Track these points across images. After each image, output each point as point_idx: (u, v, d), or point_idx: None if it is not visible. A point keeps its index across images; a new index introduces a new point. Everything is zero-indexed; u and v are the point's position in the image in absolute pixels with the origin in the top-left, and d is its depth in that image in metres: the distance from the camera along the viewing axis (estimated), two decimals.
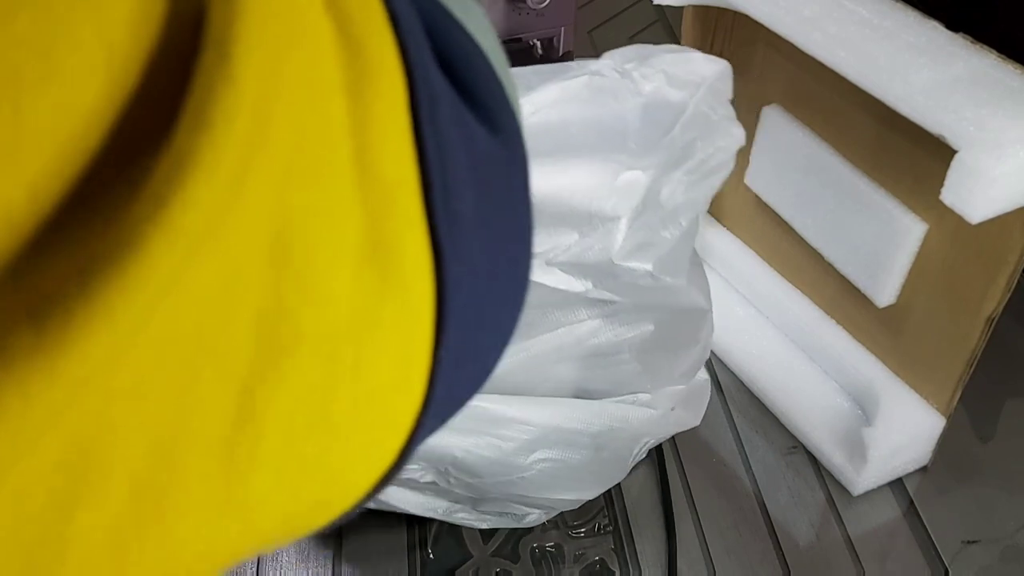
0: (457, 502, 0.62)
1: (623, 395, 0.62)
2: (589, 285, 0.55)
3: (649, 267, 0.54)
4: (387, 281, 0.18)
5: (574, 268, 0.54)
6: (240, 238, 0.15)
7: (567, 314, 0.57)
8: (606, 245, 0.53)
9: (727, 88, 0.57)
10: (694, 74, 0.54)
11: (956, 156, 0.50)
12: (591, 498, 0.65)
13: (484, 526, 0.64)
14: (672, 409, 0.65)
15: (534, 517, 0.64)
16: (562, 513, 0.65)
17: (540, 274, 0.54)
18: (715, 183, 0.56)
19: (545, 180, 0.51)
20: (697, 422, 0.69)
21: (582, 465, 0.60)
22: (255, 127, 0.15)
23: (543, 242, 0.53)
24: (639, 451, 0.64)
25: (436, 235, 0.19)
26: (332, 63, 0.17)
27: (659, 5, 0.71)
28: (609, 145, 0.52)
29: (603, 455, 0.61)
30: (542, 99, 0.52)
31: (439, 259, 0.19)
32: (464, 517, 0.63)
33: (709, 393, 0.70)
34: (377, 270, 0.18)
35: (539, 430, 0.58)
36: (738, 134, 0.56)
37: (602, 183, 0.51)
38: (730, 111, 0.56)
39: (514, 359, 0.58)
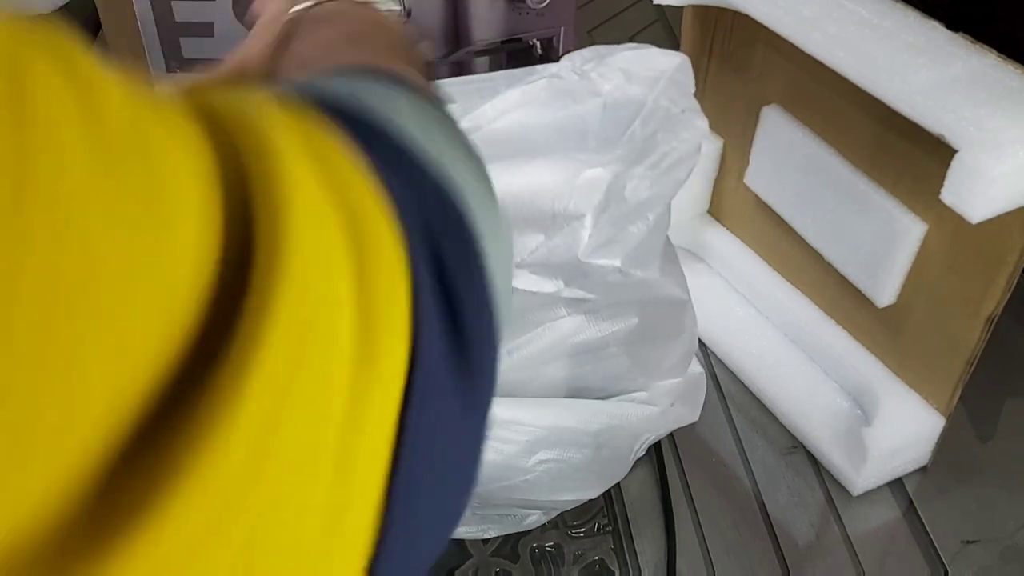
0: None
1: (618, 392, 0.62)
2: (560, 285, 0.55)
3: (617, 263, 0.55)
4: (334, 542, 0.20)
5: (543, 269, 0.54)
6: (230, 520, 0.17)
7: (545, 313, 0.57)
8: (572, 244, 0.53)
9: (688, 80, 0.57)
10: (652, 69, 0.55)
11: (956, 156, 0.50)
12: (593, 497, 0.65)
13: (485, 536, 0.64)
14: (671, 405, 0.65)
15: (534, 519, 0.64)
16: (562, 513, 0.65)
17: None
18: (681, 176, 0.56)
19: (508, 182, 0.51)
20: (695, 417, 0.69)
21: (584, 464, 0.60)
22: (265, 429, 0.17)
23: None
24: (639, 448, 0.64)
25: (390, 504, 0.21)
26: (347, 340, 0.19)
27: (659, 5, 0.71)
28: (569, 145, 0.52)
29: (604, 453, 0.61)
30: (504, 104, 0.53)
31: (386, 524, 0.21)
32: (465, 531, 0.63)
33: (705, 387, 0.70)
34: (332, 538, 0.20)
35: (540, 431, 0.58)
36: (701, 125, 0.56)
37: (563, 182, 0.51)
38: (693, 103, 0.56)
39: (502, 362, 0.58)
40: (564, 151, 0.52)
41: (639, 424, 0.62)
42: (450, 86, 0.55)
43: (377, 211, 0.21)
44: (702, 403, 0.70)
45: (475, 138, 0.51)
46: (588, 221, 0.53)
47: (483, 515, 0.62)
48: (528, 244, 0.54)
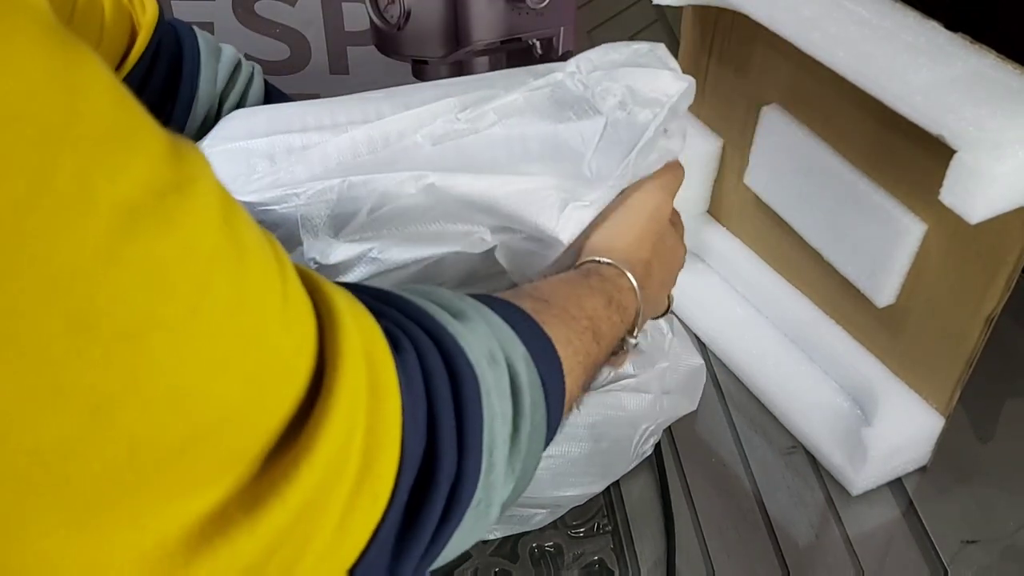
0: None
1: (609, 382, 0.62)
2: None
3: None
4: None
5: (519, 259, 0.54)
6: None
7: None
8: (542, 261, 0.53)
9: (687, 102, 0.56)
10: (659, 92, 0.53)
11: (955, 156, 0.50)
12: (597, 492, 0.64)
13: (492, 536, 0.64)
14: (666, 392, 0.65)
15: (540, 518, 0.64)
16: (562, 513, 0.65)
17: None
18: None
19: (503, 188, 0.50)
20: (694, 407, 0.69)
21: (584, 458, 0.60)
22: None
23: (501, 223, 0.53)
24: (640, 440, 0.64)
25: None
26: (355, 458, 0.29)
27: (659, 5, 0.71)
28: (565, 166, 0.51)
29: (603, 446, 0.61)
30: (505, 107, 0.52)
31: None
32: None
33: (704, 378, 0.70)
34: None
35: None
36: (673, 147, 0.55)
37: (551, 208, 0.50)
38: (678, 125, 0.55)
39: None
40: (558, 173, 0.51)
41: (635, 412, 0.61)
42: (454, 85, 0.55)
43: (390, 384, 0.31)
44: (700, 393, 0.70)
45: (472, 140, 0.51)
46: (562, 249, 0.52)
47: None
48: (515, 236, 0.53)
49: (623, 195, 0.53)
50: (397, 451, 0.30)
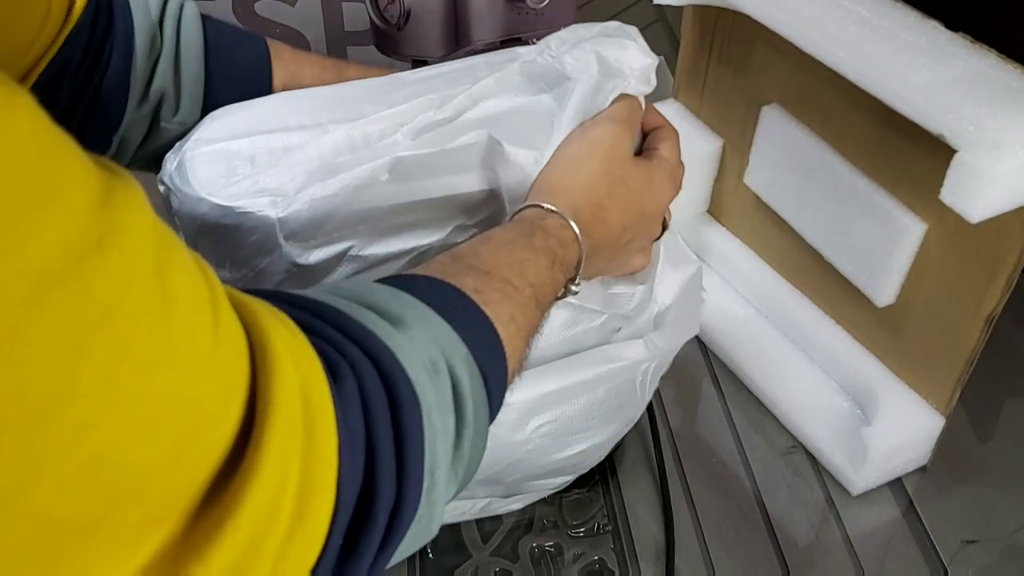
0: (485, 497, 0.63)
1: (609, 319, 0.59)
2: None
3: None
4: None
5: None
6: None
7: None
8: None
9: (652, 80, 0.56)
10: (625, 64, 0.54)
11: (956, 156, 0.50)
12: (609, 440, 0.62)
13: (514, 507, 0.64)
14: (661, 311, 0.61)
15: (562, 480, 0.64)
16: (562, 513, 0.65)
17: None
18: None
19: (480, 172, 0.52)
20: (696, 330, 0.62)
21: (581, 413, 0.58)
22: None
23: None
24: (644, 380, 0.60)
25: None
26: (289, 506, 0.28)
27: (659, 5, 0.71)
28: (537, 138, 0.52)
29: (599, 394, 0.58)
30: (479, 91, 0.53)
31: None
32: (496, 507, 0.64)
33: (701, 284, 0.63)
34: None
35: (524, 404, 0.56)
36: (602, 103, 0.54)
37: (519, 182, 0.52)
38: (643, 75, 0.56)
39: None
40: (530, 144, 0.52)
41: (628, 358, 0.58)
42: (435, 78, 0.55)
43: (325, 404, 0.30)
44: (700, 311, 0.63)
45: (452, 127, 0.52)
46: None
47: (506, 487, 0.61)
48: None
49: (578, 130, 0.52)
50: (333, 493, 0.29)
